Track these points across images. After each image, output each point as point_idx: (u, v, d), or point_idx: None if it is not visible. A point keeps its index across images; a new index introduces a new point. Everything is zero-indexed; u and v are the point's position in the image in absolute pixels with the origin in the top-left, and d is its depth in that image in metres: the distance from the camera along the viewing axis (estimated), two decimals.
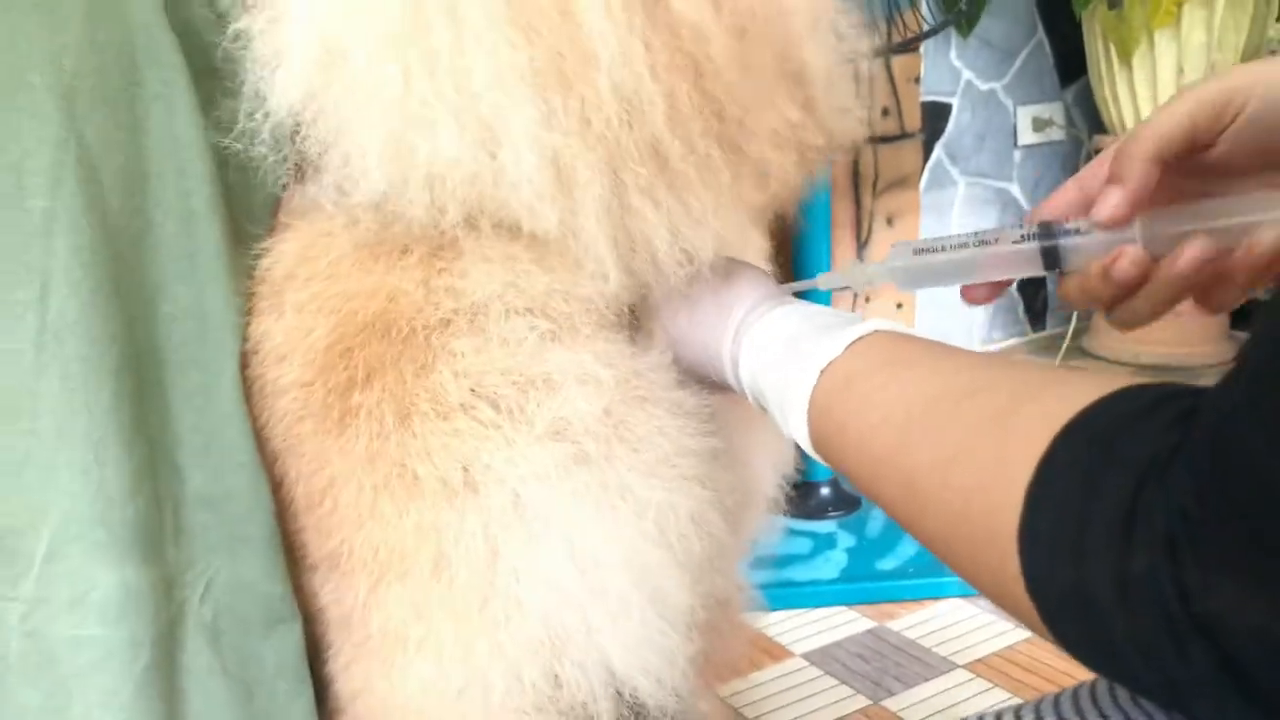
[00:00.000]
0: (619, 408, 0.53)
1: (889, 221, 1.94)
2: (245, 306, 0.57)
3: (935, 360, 0.44)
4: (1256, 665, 0.30)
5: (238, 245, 0.57)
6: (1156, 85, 1.90)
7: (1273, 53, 1.82)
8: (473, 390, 0.53)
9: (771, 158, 0.53)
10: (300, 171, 0.57)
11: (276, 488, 0.57)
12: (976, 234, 0.53)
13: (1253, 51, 1.87)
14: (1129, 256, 0.47)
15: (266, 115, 0.52)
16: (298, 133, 0.53)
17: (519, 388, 0.53)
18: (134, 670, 0.51)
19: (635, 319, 0.58)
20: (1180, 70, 1.88)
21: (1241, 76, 0.47)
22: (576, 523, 0.51)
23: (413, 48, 0.49)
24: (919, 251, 0.54)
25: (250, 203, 0.58)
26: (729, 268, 0.56)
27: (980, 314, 2.08)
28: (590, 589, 0.50)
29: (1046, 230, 0.51)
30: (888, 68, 1.99)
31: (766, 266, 0.72)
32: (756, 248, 0.70)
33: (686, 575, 0.52)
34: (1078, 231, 0.50)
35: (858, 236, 1.92)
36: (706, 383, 0.59)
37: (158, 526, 0.53)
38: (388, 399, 0.54)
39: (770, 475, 0.69)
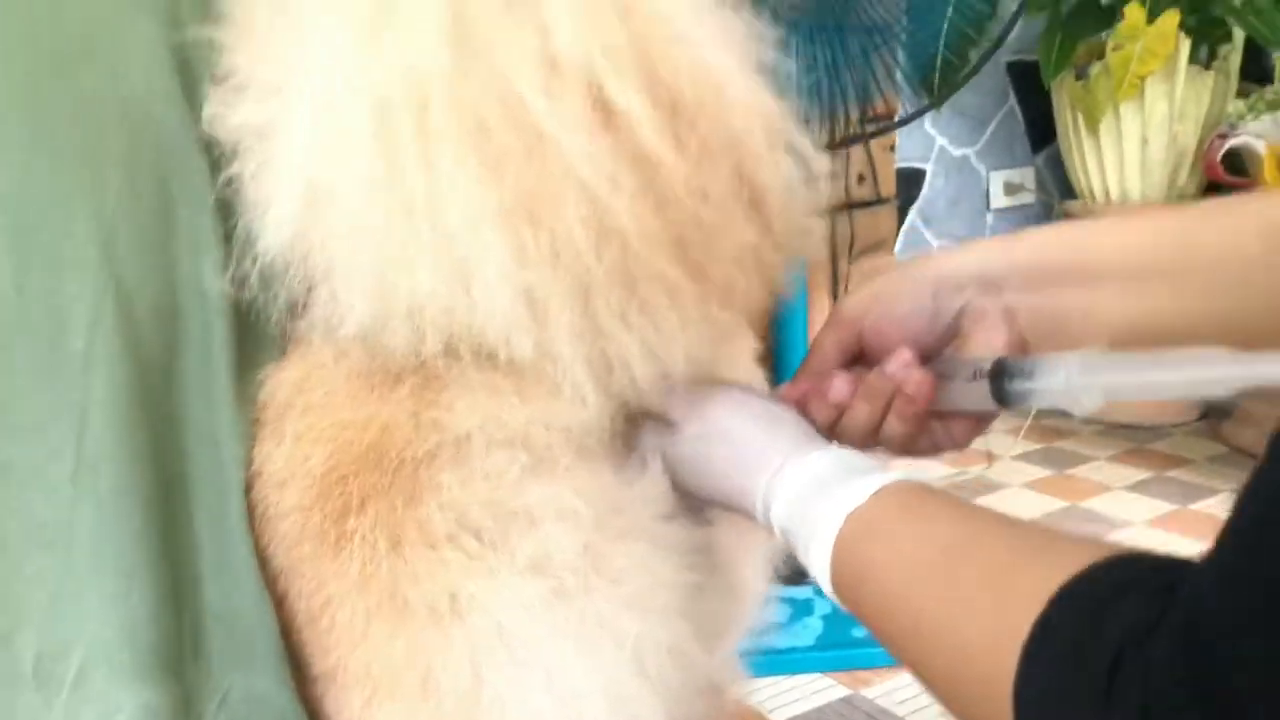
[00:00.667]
0: (598, 542, 0.57)
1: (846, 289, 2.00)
2: (250, 435, 0.60)
3: (948, 515, 0.48)
4: None
5: (243, 383, 0.61)
6: (1122, 153, 1.97)
7: (1232, 126, 1.89)
8: (457, 522, 0.56)
9: (734, 278, 0.56)
10: (293, 308, 0.61)
11: (280, 603, 0.60)
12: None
13: (1212, 124, 1.94)
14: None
15: (256, 258, 0.55)
16: (287, 272, 0.56)
17: (500, 521, 0.56)
18: None
19: (626, 445, 0.61)
20: (1144, 140, 1.95)
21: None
22: (556, 654, 0.54)
23: (390, 192, 0.52)
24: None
25: (255, 344, 0.62)
26: (769, 409, 0.59)
27: None
28: (569, 718, 0.54)
29: (997, 373, 0.55)
30: (864, 135, 2.06)
31: (756, 382, 0.75)
32: (746, 349, 0.73)
33: (663, 705, 0.55)
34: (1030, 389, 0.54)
35: (834, 298, 1.97)
36: (711, 508, 0.62)
37: (178, 646, 0.55)
38: (380, 526, 0.57)
39: (759, 571, 0.72)
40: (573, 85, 0.52)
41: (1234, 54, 1.94)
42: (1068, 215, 2.11)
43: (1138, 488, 1.76)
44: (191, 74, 0.59)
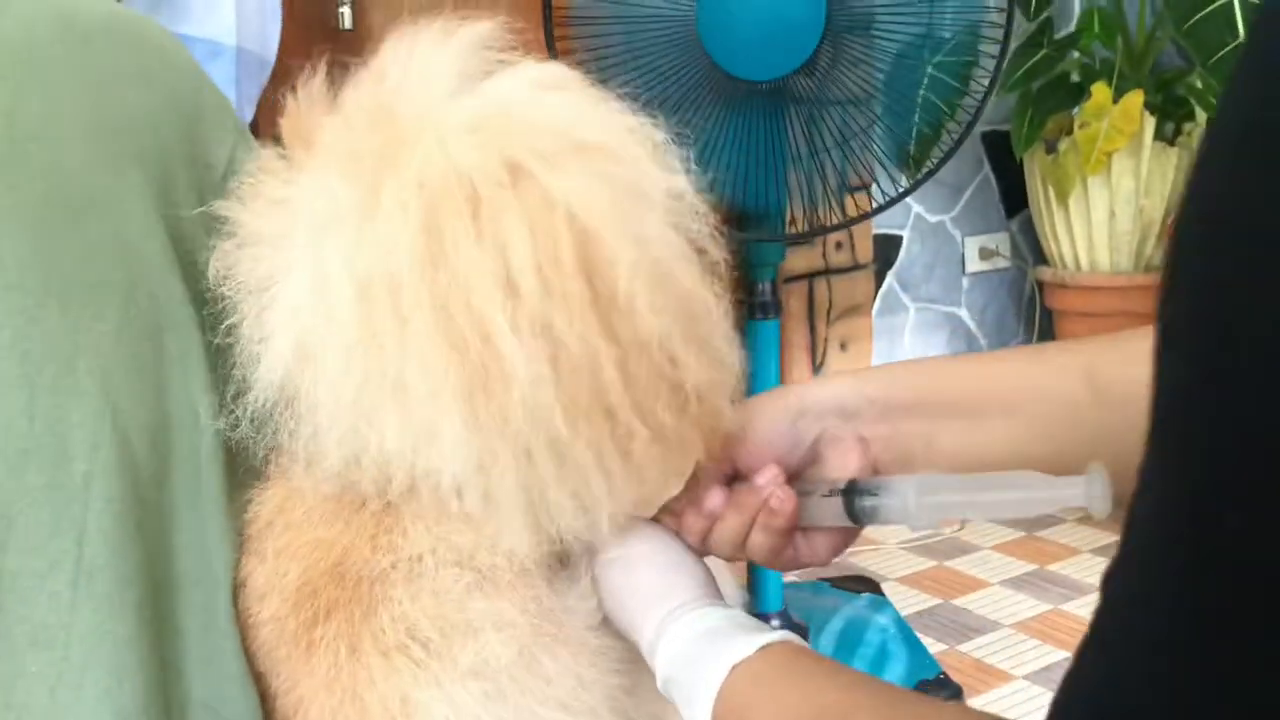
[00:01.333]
0: (532, 649, 0.65)
1: (843, 346, 2.08)
2: (238, 543, 0.69)
3: (827, 675, 0.54)
4: None
5: (232, 496, 0.69)
6: (1091, 225, 2.04)
7: None
8: (407, 632, 0.65)
9: (653, 453, 0.65)
10: (279, 443, 0.70)
11: (262, 700, 0.69)
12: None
13: (1177, 198, 2.02)
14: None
15: (249, 402, 0.64)
16: (275, 411, 0.66)
17: (444, 633, 0.65)
18: None
19: (560, 562, 0.70)
20: (1112, 213, 2.02)
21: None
22: None
23: (367, 358, 0.61)
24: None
25: (243, 462, 0.71)
26: (681, 559, 0.66)
27: None
28: None
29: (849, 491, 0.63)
30: (841, 205, 2.14)
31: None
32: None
33: None
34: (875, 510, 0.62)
35: (813, 360, 2.06)
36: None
37: None
38: (341, 635, 0.66)
39: None
40: (524, 293, 0.60)
41: (1198, 130, 2.02)
42: (1040, 281, 2.19)
43: (1105, 551, 1.82)
44: (177, 228, 0.67)
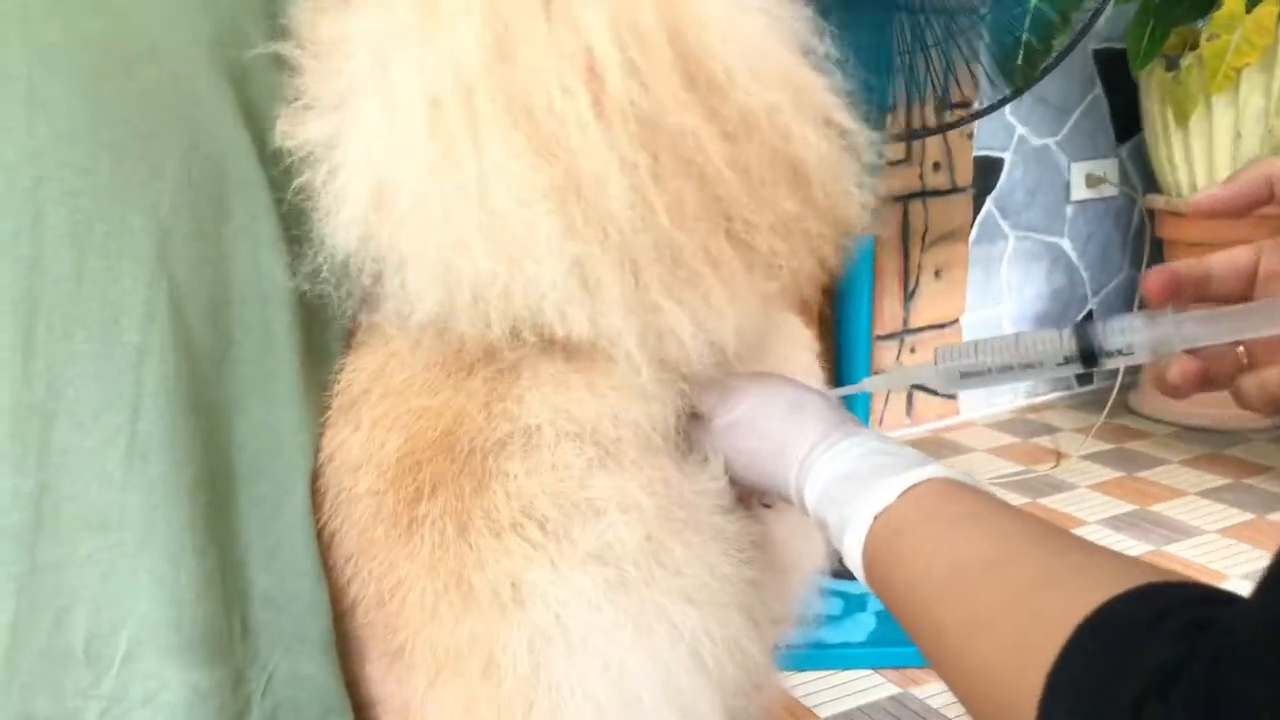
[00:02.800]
0: (660, 534, 0.58)
1: (937, 274, 1.97)
2: (319, 427, 0.62)
3: (977, 521, 0.48)
4: None
5: (315, 374, 0.63)
6: (1212, 149, 1.90)
7: None
8: (523, 511, 0.58)
9: (779, 248, 0.57)
10: (366, 301, 0.63)
11: (349, 584, 0.63)
12: (1018, 340, 0.55)
13: None
14: (1174, 371, 0.50)
15: (329, 257, 0.58)
16: (359, 269, 0.59)
17: (564, 512, 0.58)
18: None
19: (688, 440, 0.63)
20: (1237, 135, 1.88)
21: None
22: (615, 644, 0.55)
23: (447, 178, 0.55)
24: (965, 375, 0.56)
25: (325, 332, 0.64)
26: (798, 398, 0.59)
27: None
28: (625, 706, 0.55)
29: (1088, 354, 0.53)
30: (940, 118, 2.02)
31: (809, 351, 0.76)
32: (792, 332, 0.74)
33: (719, 698, 0.56)
34: (1119, 353, 0.53)
35: (905, 288, 1.95)
36: (766, 499, 0.63)
37: (225, 627, 0.58)
38: (449, 512, 0.59)
39: (818, 548, 0.72)
40: (608, 73, 0.53)
41: None
42: (1151, 209, 2.05)
43: (1211, 494, 1.71)
44: (245, 80, 0.61)
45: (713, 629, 0.58)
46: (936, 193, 1.94)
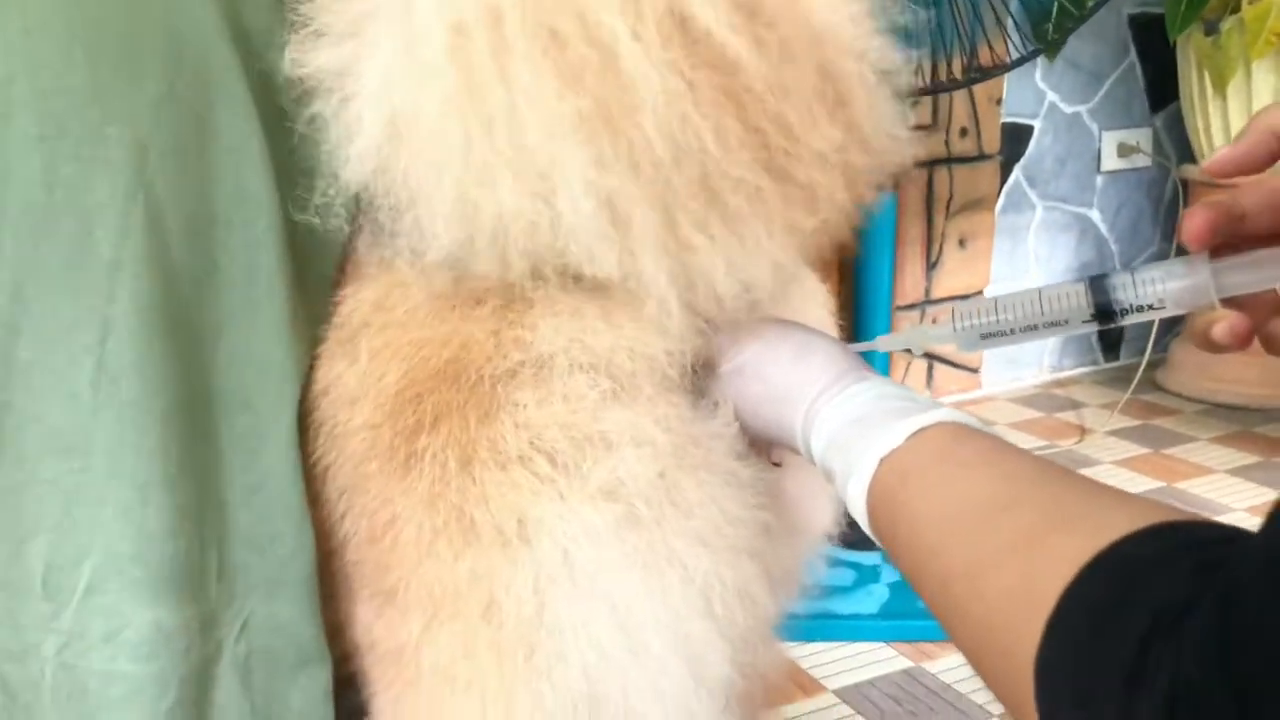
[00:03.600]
0: (674, 473, 0.55)
1: (961, 243, 1.92)
2: (310, 358, 0.59)
3: (987, 464, 0.45)
4: None
5: (306, 304, 0.59)
6: (1252, 116, 1.84)
7: None
8: (531, 443, 0.55)
9: (819, 180, 0.54)
10: (375, 236, 0.60)
11: (340, 520, 0.59)
12: (1041, 295, 0.53)
13: None
14: (1221, 328, 0.47)
15: (340, 190, 0.55)
16: (371, 203, 0.56)
17: (576, 444, 0.54)
18: (159, 708, 0.53)
19: (701, 385, 0.59)
20: (1278, 103, 1.82)
21: None
22: (623, 585, 0.52)
23: (470, 110, 0.52)
24: (986, 336, 0.54)
25: (323, 267, 0.61)
26: (805, 342, 0.57)
27: (1051, 340, 2.05)
28: (632, 651, 0.52)
29: (1104, 310, 0.50)
30: (968, 88, 1.96)
31: (825, 308, 0.73)
32: (810, 288, 0.71)
33: (728, 647, 0.53)
34: (1150, 307, 0.50)
35: (927, 257, 1.90)
36: (775, 447, 0.60)
37: (199, 565, 0.55)
38: (452, 444, 0.56)
39: (827, 511, 0.70)
40: None
41: None
42: (1185, 180, 1.99)
43: (1241, 472, 1.67)
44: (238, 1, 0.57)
45: (724, 574, 0.54)
46: (963, 159, 1.89)
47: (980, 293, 1.96)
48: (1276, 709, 0.28)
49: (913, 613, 1.22)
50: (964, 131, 1.89)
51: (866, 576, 1.30)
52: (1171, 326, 2.02)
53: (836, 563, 1.32)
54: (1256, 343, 0.50)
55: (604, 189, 0.51)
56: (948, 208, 1.90)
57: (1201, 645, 0.30)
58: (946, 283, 1.92)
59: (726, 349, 0.58)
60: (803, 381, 0.54)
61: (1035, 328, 0.52)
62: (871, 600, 1.25)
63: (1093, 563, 0.36)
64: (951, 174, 1.89)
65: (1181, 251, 0.50)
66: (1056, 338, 2.07)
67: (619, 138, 0.51)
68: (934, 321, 1.92)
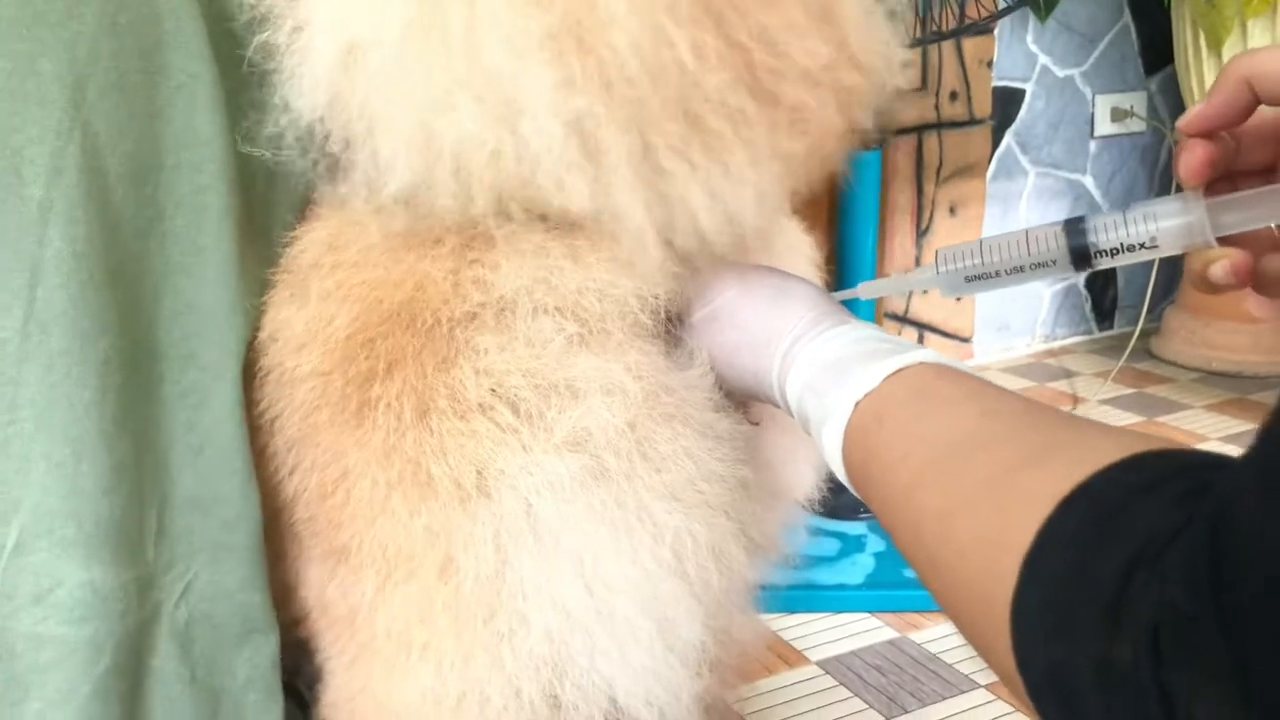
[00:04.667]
0: (645, 423, 0.51)
1: (951, 210, 1.88)
2: (258, 310, 0.56)
3: (964, 403, 0.42)
4: None
5: (257, 249, 0.56)
6: None
7: None
8: (493, 390, 0.51)
9: (806, 101, 0.50)
10: (330, 172, 0.56)
11: (290, 475, 0.56)
12: (1027, 237, 0.50)
13: None
14: (1220, 267, 0.45)
15: (292, 122, 0.52)
16: (326, 136, 0.52)
17: (540, 392, 0.51)
18: (93, 672, 0.50)
19: (675, 334, 0.55)
20: None
21: None
22: (589, 542, 0.48)
23: (430, 32, 0.48)
24: (971, 279, 0.51)
25: (277, 207, 0.57)
26: (783, 286, 0.53)
27: (1044, 308, 2.02)
28: (598, 612, 0.48)
29: (1081, 256, 0.48)
30: (958, 50, 1.92)
31: (808, 259, 0.69)
32: (792, 239, 0.67)
33: (701, 609, 0.50)
34: (1142, 246, 0.47)
35: (918, 225, 1.86)
36: (751, 400, 0.56)
37: (137, 526, 0.52)
38: (407, 392, 0.52)
39: (808, 475, 0.67)
40: None
41: None
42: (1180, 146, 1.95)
43: (1235, 439, 1.64)
44: None
45: (698, 532, 0.51)
46: (953, 124, 1.85)
47: None
48: (1268, 633, 0.25)
49: (898, 583, 1.19)
50: (954, 95, 1.85)
51: (851, 547, 1.27)
52: (1165, 294, 1.99)
53: (821, 533, 1.29)
54: (1250, 309, 0.48)
55: (572, 111, 0.47)
56: (938, 174, 1.86)
57: (1188, 570, 0.27)
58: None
59: (702, 294, 0.55)
60: (780, 326, 0.51)
61: (1021, 269, 0.49)
62: (856, 570, 1.23)
63: (1072, 495, 0.33)
64: (942, 139, 1.84)
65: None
66: (1049, 307, 2.05)
67: (588, 56, 0.47)
68: (924, 291, 1.88)
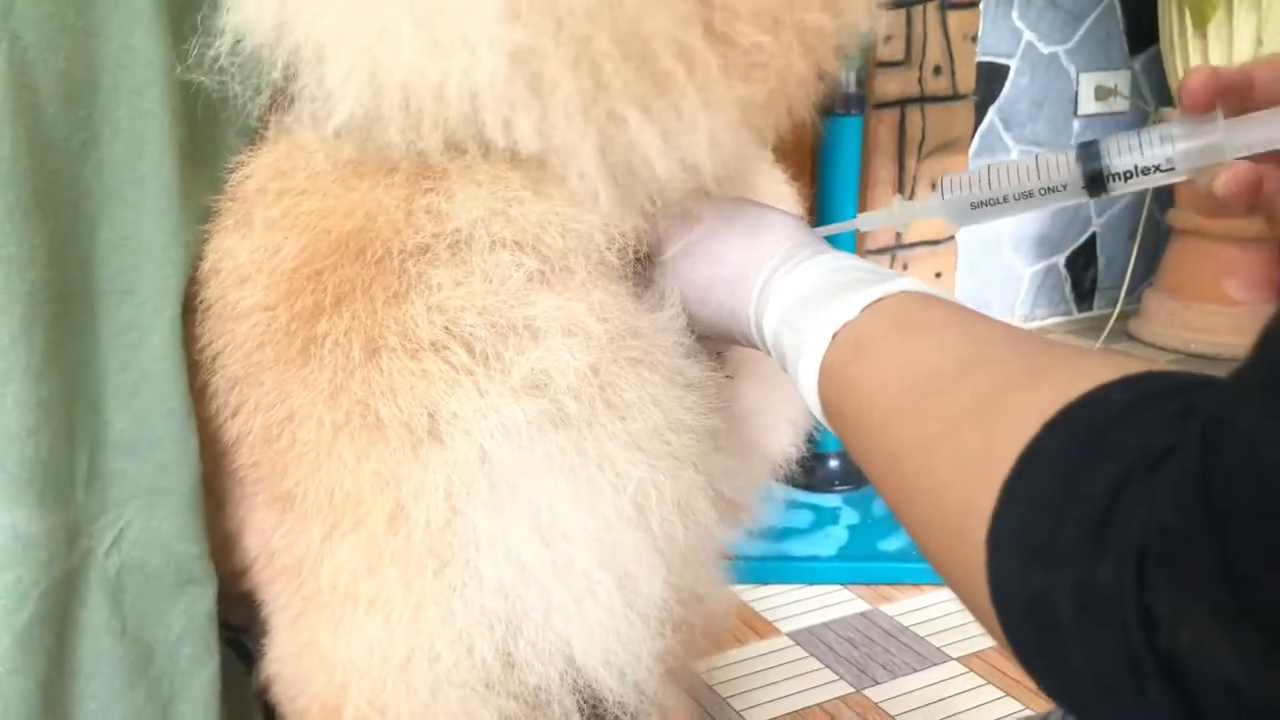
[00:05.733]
0: (609, 367, 0.48)
1: (933, 186, 1.86)
2: (201, 239, 0.52)
3: (948, 329, 0.40)
4: None
5: (201, 174, 0.52)
6: (1232, 57, 1.79)
7: None
8: (446, 328, 0.48)
9: (764, 42, 0.47)
10: (275, 102, 0.53)
11: (233, 416, 0.52)
12: (1037, 162, 0.48)
13: None
14: (1224, 180, 0.43)
15: (236, 49, 0.48)
16: (271, 64, 0.49)
17: (497, 331, 0.47)
18: (14, 621, 0.47)
19: (645, 274, 0.52)
20: (1259, 42, 1.77)
21: None
22: (546, 490, 0.45)
23: None
24: (976, 205, 0.49)
25: (224, 131, 0.53)
26: (760, 216, 0.50)
27: (1024, 288, 2.00)
28: (554, 565, 0.45)
29: (1095, 179, 0.46)
30: (943, 24, 1.89)
31: (785, 183, 0.66)
32: (773, 187, 0.64)
33: (663, 564, 0.47)
34: (1158, 169, 0.45)
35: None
36: (725, 344, 0.54)
37: (66, 468, 0.49)
38: (356, 329, 0.49)
39: (784, 433, 0.64)
40: None
41: None
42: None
43: None
44: None
45: (663, 483, 0.48)
46: (936, 99, 1.82)
47: (953, 238, 1.90)
48: (1265, 546, 0.23)
49: (871, 555, 1.18)
50: (938, 70, 1.82)
51: (825, 519, 1.25)
52: (1145, 276, 1.98)
53: (794, 504, 1.27)
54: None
55: (515, 43, 0.43)
56: (920, 149, 1.83)
57: (1180, 484, 0.25)
58: (918, 227, 1.86)
59: (674, 230, 0.51)
60: (757, 260, 0.48)
61: (1030, 195, 0.47)
62: (829, 543, 1.21)
63: (1058, 415, 0.30)
64: (925, 114, 1.82)
65: None
66: (1028, 287, 2.03)
67: None
68: (905, 267, 1.86)
